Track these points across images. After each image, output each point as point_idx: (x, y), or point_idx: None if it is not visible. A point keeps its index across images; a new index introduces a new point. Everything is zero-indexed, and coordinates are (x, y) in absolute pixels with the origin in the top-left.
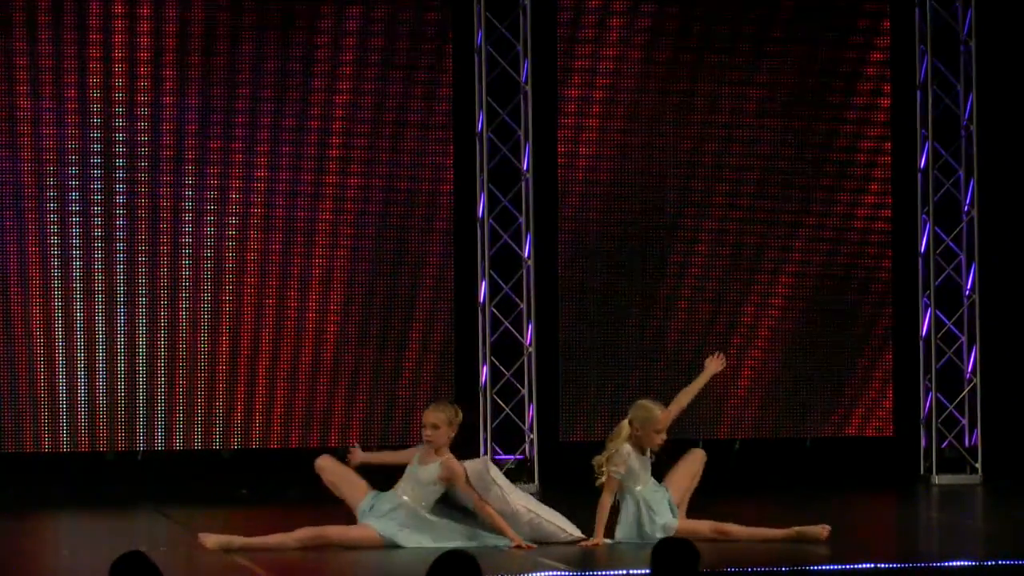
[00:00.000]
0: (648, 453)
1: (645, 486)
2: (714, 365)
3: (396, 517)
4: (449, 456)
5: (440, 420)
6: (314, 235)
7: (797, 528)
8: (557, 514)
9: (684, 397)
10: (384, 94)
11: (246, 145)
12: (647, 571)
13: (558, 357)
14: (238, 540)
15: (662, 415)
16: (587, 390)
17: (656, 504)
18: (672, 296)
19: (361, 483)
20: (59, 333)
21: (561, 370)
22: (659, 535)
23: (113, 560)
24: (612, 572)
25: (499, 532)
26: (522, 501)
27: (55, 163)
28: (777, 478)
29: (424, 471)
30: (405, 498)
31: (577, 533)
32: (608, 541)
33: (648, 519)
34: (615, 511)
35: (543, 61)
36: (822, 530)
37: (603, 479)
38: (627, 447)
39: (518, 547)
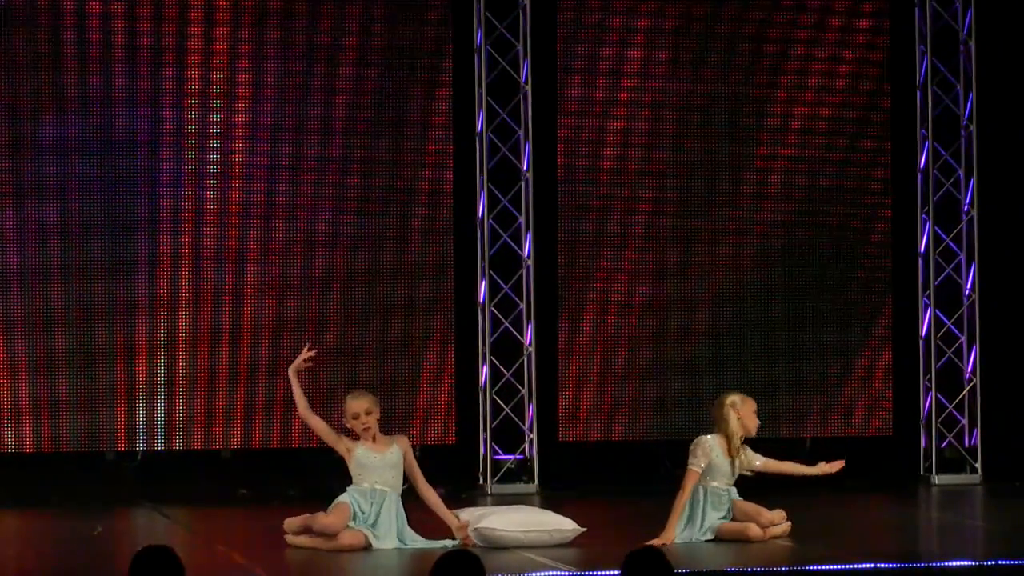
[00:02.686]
0: (736, 458)
1: (719, 484)
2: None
3: (381, 518)
4: (399, 436)
5: (373, 405)
6: (314, 235)
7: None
8: (551, 516)
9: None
10: (384, 94)
11: (246, 145)
12: None
13: (557, 357)
14: (296, 522)
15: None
16: (586, 390)
17: (717, 503)
18: (672, 296)
19: (339, 511)
20: (59, 333)
21: (560, 370)
22: (707, 536)
23: (137, 552)
24: (613, 572)
25: (442, 517)
26: (512, 526)
27: (55, 163)
28: (777, 478)
29: (390, 455)
30: (387, 489)
31: (574, 525)
32: (677, 541)
33: (702, 515)
34: None
35: (543, 61)
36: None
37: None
38: (713, 440)
39: (463, 535)
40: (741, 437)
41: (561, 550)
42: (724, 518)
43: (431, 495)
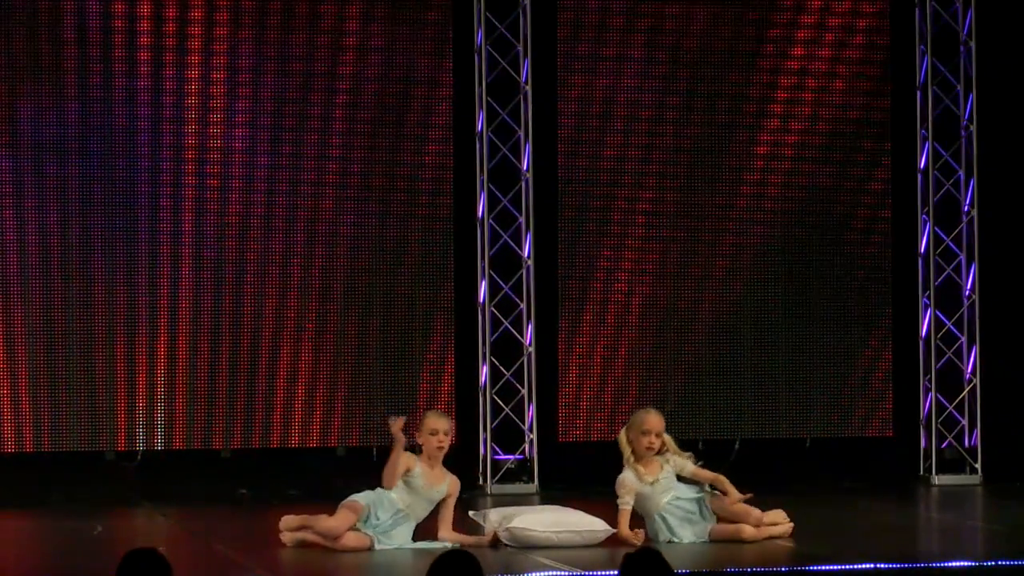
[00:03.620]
0: (659, 477)
1: (662, 501)
2: (731, 497)
3: (393, 532)
4: (453, 476)
5: (451, 427)
6: (314, 235)
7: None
8: (582, 516)
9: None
10: (384, 94)
11: (246, 145)
12: None
13: (557, 357)
14: (294, 520)
15: (655, 420)
16: (586, 390)
17: (684, 518)
18: (672, 296)
19: (347, 512)
20: (59, 333)
21: (560, 370)
22: (691, 539)
23: (124, 555)
24: (613, 572)
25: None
26: (544, 527)
27: (55, 162)
28: (777, 478)
29: (436, 491)
30: (411, 515)
31: (605, 526)
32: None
33: (671, 532)
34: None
35: (543, 61)
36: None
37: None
38: (628, 475)
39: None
40: (639, 457)
41: (561, 549)
42: (705, 521)
43: (455, 537)
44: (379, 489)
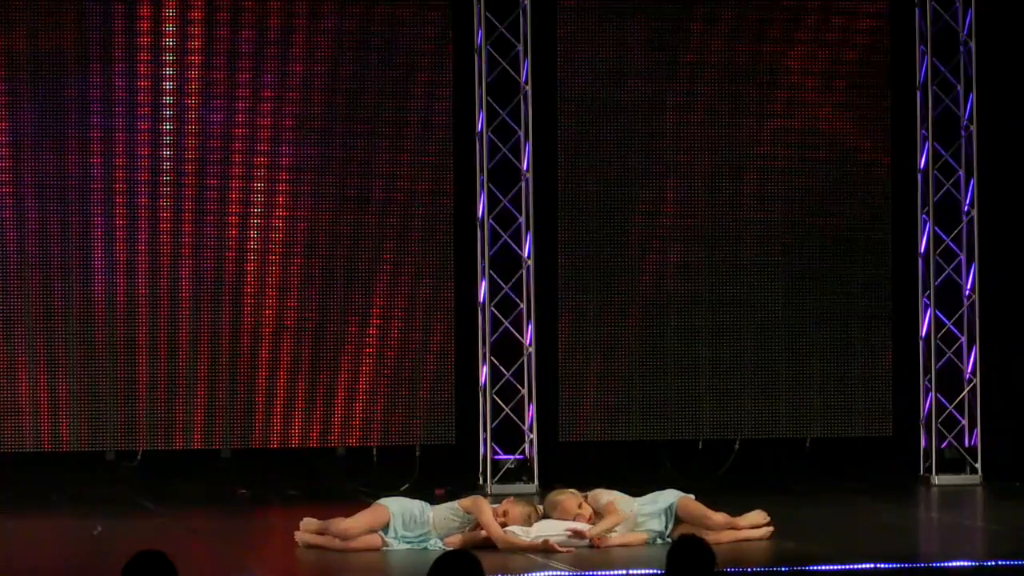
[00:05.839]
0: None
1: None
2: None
3: (415, 541)
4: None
5: (516, 515)
6: (314, 235)
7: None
8: (558, 523)
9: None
10: (384, 94)
11: (246, 145)
12: (647, 571)
13: (558, 357)
14: (314, 523)
15: (569, 504)
16: (586, 390)
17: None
18: (672, 296)
19: (369, 516)
20: (59, 333)
21: (560, 370)
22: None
23: (131, 558)
24: (612, 572)
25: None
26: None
27: (55, 163)
28: (777, 478)
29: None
30: (438, 533)
31: (579, 526)
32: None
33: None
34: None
35: (543, 61)
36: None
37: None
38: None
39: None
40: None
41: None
42: (667, 526)
43: (496, 533)
44: (421, 503)
